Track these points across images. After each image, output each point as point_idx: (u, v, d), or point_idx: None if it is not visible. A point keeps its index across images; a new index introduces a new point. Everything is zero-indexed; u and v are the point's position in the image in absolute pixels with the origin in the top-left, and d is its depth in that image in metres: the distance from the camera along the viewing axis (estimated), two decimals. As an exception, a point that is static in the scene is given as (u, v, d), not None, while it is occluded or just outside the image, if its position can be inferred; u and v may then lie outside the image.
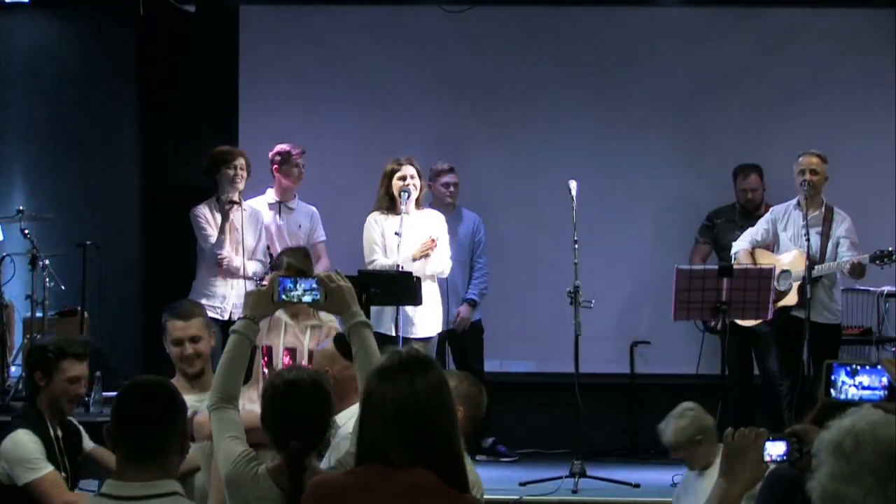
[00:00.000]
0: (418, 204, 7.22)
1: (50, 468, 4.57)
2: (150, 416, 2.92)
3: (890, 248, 7.03)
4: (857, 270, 7.12)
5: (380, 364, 2.96)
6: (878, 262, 7.03)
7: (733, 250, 7.64)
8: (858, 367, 2.66)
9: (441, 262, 7.26)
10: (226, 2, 9.14)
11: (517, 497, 6.51)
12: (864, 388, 2.66)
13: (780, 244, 7.50)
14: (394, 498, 2.81)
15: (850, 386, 2.68)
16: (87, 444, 4.92)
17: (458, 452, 2.90)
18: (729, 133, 8.93)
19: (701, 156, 8.96)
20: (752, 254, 7.55)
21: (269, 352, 5.27)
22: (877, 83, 8.83)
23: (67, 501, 4.56)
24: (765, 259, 7.45)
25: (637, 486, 6.89)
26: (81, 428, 4.98)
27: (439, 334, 7.40)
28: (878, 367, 2.65)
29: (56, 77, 8.85)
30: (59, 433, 4.75)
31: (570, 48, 9.04)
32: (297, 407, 3.38)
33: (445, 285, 7.66)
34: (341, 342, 4.12)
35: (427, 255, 7.13)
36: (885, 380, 2.63)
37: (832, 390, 2.70)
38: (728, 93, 8.96)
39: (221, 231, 7.41)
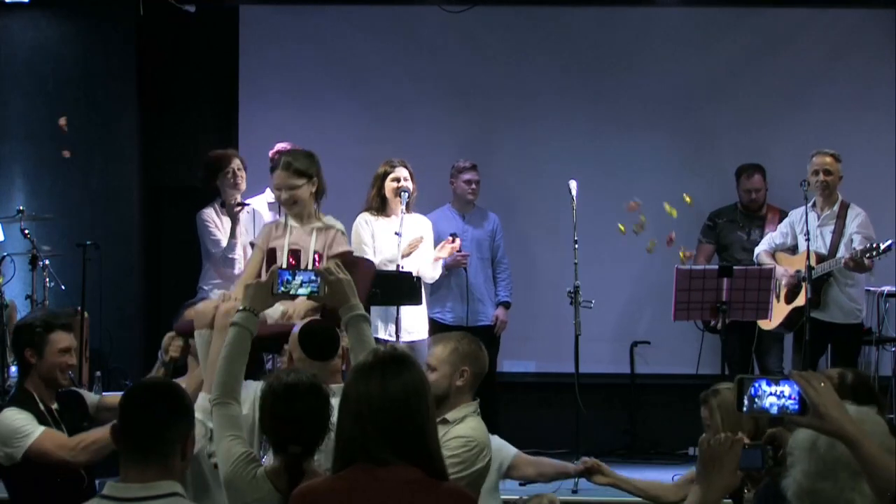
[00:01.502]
0: (409, 207, 7.20)
1: (41, 428, 4.54)
2: (153, 417, 2.91)
3: (877, 243, 7.02)
4: (852, 266, 7.11)
5: (358, 363, 2.97)
6: (866, 255, 7.02)
7: (755, 253, 7.69)
8: (780, 379, 2.67)
9: (436, 267, 7.26)
10: (226, 2, 9.14)
11: (517, 497, 6.49)
12: (783, 397, 2.66)
13: (798, 245, 7.50)
14: (383, 496, 2.82)
15: (769, 395, 2.67)
16: (92, 399, 4.90)
17: (435, 446, 2.93)
18: (729, 133, 8.93)
19: (701, 156, 8.96)
20: (773, 256, 7.57)
21: (271, 254, 5.22)
22: (877, 83, 8.83)
23: (68, 446, 4.53)
24: (783, 261, 7.47)
25: (637, 486, 6.87)
26: (82, 391, 4.97)
27: (423, 339, 7.33)
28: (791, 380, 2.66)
29: (56, 77, 8.85)
30: (54, 406, 4.73)
31: (570, 48, 9.03)
32: (295, 411, 3.36)
33: (465, 283, 7.68)
34: (305, 335, 4.13)
35: (411, 254, 7.10)
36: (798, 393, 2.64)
37: (748, 402, 2.68)
38: (728, 93, 8.96)
39: (233, 235, 7.24)
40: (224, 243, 7.27)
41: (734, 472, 2.86)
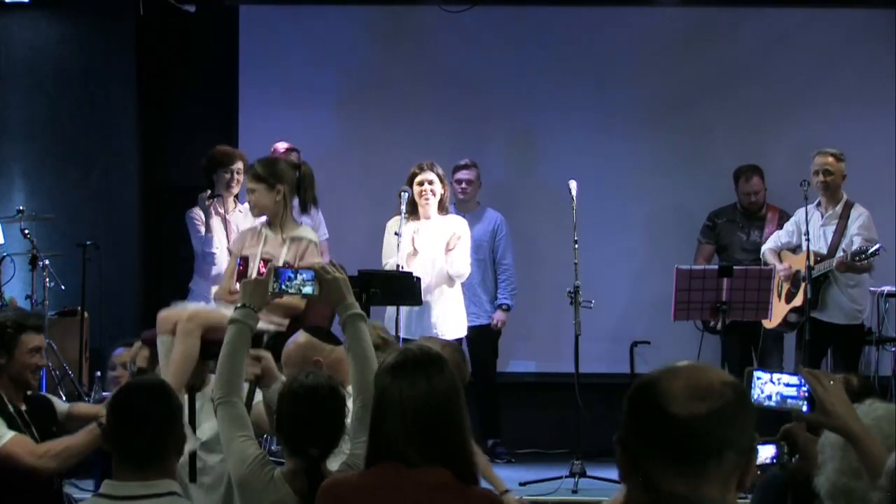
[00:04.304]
0: (443, 209, 7.22)
1: (11, 433, 4.46)
2: (148, 419, 2.91)
3: (865, 246, 7.01)
4: (843, 269, 7.11)
5: (392, 361, 2.93)
6: (856, 258, 7.02)
7: (761, 252, 7.71)
8: (780, 372, 2.71)
9: (457, 264, 7.25)
10: (226, 2, 9.14)
11: (517, 497, 6.49)
12: (784, 385, 2.68)
13: (802, 244, 7.49)
14: (412, 497, 2.81)
15: (766, 382, 2.69)
16: (62, 406, 4.84)
17: (470, 448, 2.93)
18: (729, 133, 8.93)
19: (701, 155, 8.96)
20: (778, 255, 7.57)
21: (245, 262, 5.24)
22: (877, 83, 8.83)
23: (37, 453, 4.45)
24: (787, 260, 7.48)
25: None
26: (51, 397, 4.93)
27: (458, 338, 7.33)
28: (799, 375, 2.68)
29: (56, 77, 8.85)
30: (23, 408, 4.65)
31: (570, 48, 9.03)
32: (316, 414, 3.35)
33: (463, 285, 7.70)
34: (313, 330, 4.19)
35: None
36: (805, 390, 2.66)
37: (753, 393, 2.71)
38: (728, 93, 8.96)
39: (208, 229, 7.29)
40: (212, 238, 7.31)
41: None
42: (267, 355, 4.33)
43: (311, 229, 5.49)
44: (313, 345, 4.20)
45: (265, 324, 4.87)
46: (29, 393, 4.76)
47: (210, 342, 4.84)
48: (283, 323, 4.99)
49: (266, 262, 5.16)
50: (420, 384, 2.85)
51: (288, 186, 5.28)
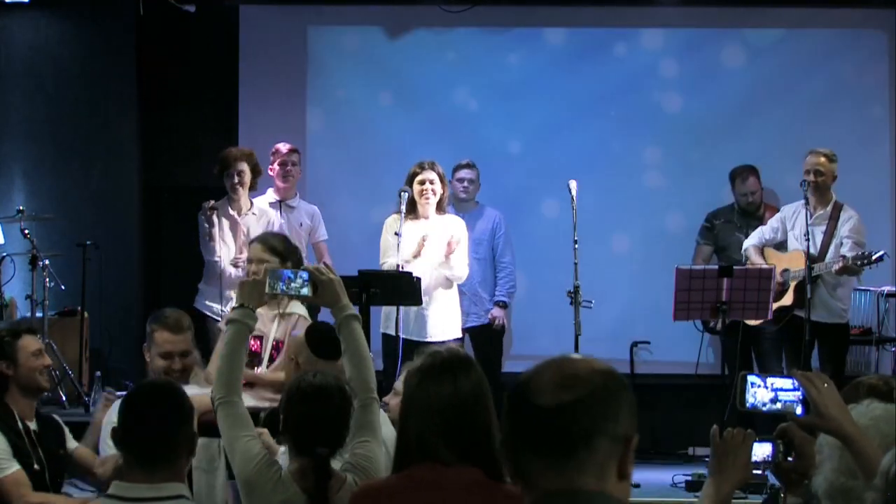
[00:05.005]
0: (441, 209, 7.23)
1: (15, 468, 4.44)
2: (159, 420, 2.92)
3: (869, 252, 7.02)
4: (842, 273, 7.12)
5: (420, 363, 2.99)
6: (858, 263, 7.03)
7: (743, 247, 7.67)
8: (772, 377, 2.73)
9: (457, 266, 7.25)
10: (226, 2, 9.14)
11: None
12: (775, 389, 2.70)
13: (788, 243, 7.50)
14: (448, 496, 2.86)
15: (760, 388, 2.71)
16: (71, 443, 4.84)
17: (497, 447, 2.96)
18: (728, 133, 8.93)
19: (701, 156, 8.95)
20: (761, 251, 7.56)
21: None
22: (875, 83, 8.83)
23: (28, 502, 4.43)
24: (772, 258, 7.46)
25: (637, 485, 6.88)
26: (65, 426, 4.94)
27: (457, 338, 7.33)
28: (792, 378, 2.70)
29: (56, 77, 8.86)
30: (34, 426, 4.65)
31: (569, 48, 9.03)
32: (325, 413, 3.38)
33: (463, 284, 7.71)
34: (312, 336, 4.21)
35: (419, 255, 7.11)
36: (799, 392, 2.68)
37: (747, 397, 2.73)
38: (727, 93, 8.96)
39: (210, 238, 7.33)
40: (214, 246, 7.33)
41: (747, 466, 2.88)
42: (264, 432, 4.31)
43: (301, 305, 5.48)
44: (297, 346, 4.29)
45: (258, 401, 4.89)
46: (39, 407, 4.76)
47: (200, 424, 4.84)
48: (275, 399, 4.97)
49: (258, 338, 5.17)
50: (446, 385, 2.91)
51: (293, 265, 5.30)
